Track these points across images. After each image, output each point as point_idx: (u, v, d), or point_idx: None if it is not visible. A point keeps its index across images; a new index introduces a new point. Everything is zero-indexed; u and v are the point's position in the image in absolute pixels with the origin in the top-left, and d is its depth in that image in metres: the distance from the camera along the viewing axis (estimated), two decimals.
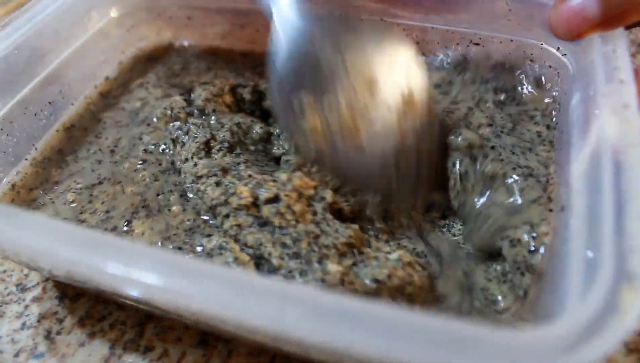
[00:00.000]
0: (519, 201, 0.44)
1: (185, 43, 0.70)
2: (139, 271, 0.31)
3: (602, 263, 0.29)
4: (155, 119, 0.56)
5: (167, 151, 0.53)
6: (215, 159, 0.50)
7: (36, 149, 0.56)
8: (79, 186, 0.52)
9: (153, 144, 0.54)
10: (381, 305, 0.28)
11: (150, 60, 0.68)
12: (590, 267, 0.30)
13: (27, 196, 0.52)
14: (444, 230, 0.48)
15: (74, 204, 0.50)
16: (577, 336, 0.26)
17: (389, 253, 0.42)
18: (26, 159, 0.55)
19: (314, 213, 0.43)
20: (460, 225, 0.48)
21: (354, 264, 0.41)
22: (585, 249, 0.32)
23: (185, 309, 0.31)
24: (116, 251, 0.32)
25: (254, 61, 0.66)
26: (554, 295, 0.35)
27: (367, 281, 0.39)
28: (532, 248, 0.41)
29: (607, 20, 0.41)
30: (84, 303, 0.48)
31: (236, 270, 0.39)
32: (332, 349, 0.28)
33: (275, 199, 0.44)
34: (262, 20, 0.64)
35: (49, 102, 0.59)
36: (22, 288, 0.50)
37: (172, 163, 0.52)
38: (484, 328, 0.27)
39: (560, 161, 0.46)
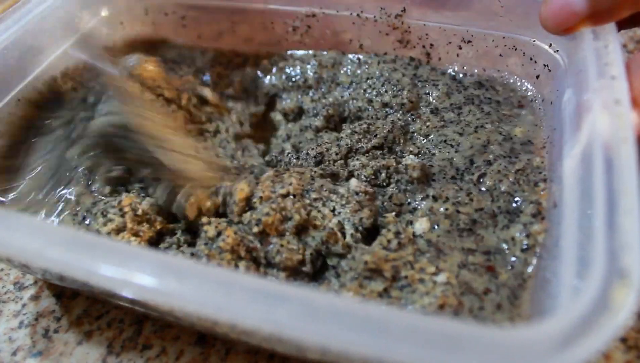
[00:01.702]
0: (512, 198, 0.45)
1: (179, 42, 0.70)
2: (132, 272, 0.31)
3: (594, 260, 0.29)
4: None
5: None
6: None
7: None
8: None
9: None
10: (373, 305, 0.28)
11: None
12: (583, 264, 0.30)
13: None
14: None
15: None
16: (570, 334, 0.26)
17: (434, 274, 0.39)
18: None
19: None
20: None
21: (400, 288, 0.39)
22: (577, 246, 0.32)
23: (179, 310, 0.31)
24: (108, 252, 0.32)
25: (249, 59, 0.67)
26: (547, 293, 0.35)
27: None
28: (525, 247, 0.41)
29: (595, 15, 0.42)
30: (82, 302, 0.48)
31: (229, 270, 0.39)
32: (326, 349, 0.28)
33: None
34: (257, 19, 0.65)
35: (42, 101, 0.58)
36: (20, 286, 0.51)
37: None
38: (477, 327, 0.27)
39: (552, 157, 0.46)
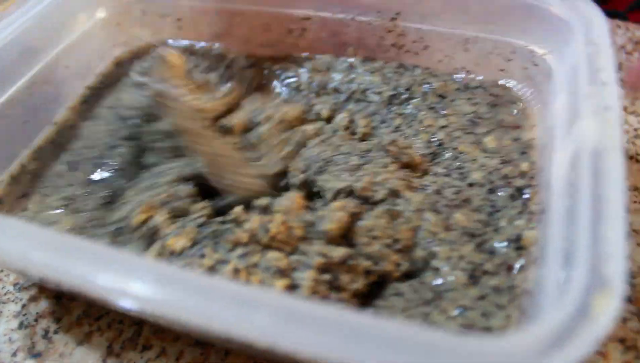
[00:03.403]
0: (500, 205, 0.45)
1: (176, 45, 0.70)
2: (128, 281, 0.32)
3: (577, 268, 0.29)
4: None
5: None
6: None
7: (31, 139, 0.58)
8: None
9: None
10: (352, 313, 0.29)
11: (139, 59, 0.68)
12: (566, 272, 0.31)
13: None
14: None
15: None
16: (550, 343, 0.26)
17: None
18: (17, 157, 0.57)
19: None
20: None
21: None
22: (562, 254, 0.33)
23: (176, 320, 0.32)
24: (106, 260, 0.33)
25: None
26: (534, 300, 0.36)
27: None
28: (514, 254, 0.42)
29: None
30: (82, 302, 0.49)
31: (227, 281, 0.39)
32: (310, 356, 0.29)
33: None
34: (254, 21, 0.65)
35: (39, 102, 0.60)
36: (20, 287, 0.51)
37: None
38: (457, 336, 0.27)
39: (543, 163, 0.46)
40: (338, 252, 0.42)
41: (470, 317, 0.39)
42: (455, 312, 0.39)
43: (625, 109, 0.63)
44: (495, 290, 0.40)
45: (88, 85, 0.65)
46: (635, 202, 0.53)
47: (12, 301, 0.50)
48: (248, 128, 0.56)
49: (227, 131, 0.56)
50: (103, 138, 0.58)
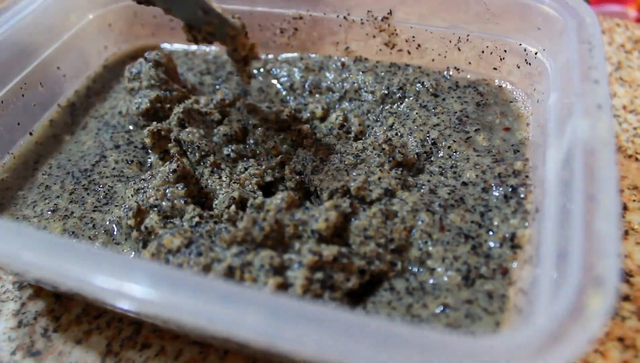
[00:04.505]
0: (495, 204, 0.46)
1: (167, 47, 0.71)
2: (125, 282, 0.32)
3: (571, 267, 0.30)
4: None
5: None
6: None
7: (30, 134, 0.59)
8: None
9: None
10: (346, 312, 0.29)
11: (131, 61, 0.67)
12: (561, 271, 0.31)
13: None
14: None
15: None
16: (544, 342, 0.27)
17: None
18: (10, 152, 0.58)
19: None
20: None
21: None
22: (556, 252, 0.33)
23: (172, 321, 0.32)
24: (102, 262, 0.33)
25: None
26: (528, 299, 0.36)
27: None
28: (509, 252, 0.42)
29: None
30: (81, 301, 0.49)
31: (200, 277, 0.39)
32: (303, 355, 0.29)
33: None
34: (245, 21, 0.65)
35: (33, 104, 0.60)
36: (19, 286, 0.51)
37: None
38: (452, 335, 0.28)
39: (536, 160, 0.47)
40: (330, 250, 0.42)
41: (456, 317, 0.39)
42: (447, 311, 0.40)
43: (624, 107, 0.64)
44: (488, 295, 0.40)
45: (77, 89, 0.65)
46: (635, 201, 0.53)
47: (12, 299, 0.50)
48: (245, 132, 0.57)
49: (230, 139, 0.56)
50: (92, 147, 0.59)
